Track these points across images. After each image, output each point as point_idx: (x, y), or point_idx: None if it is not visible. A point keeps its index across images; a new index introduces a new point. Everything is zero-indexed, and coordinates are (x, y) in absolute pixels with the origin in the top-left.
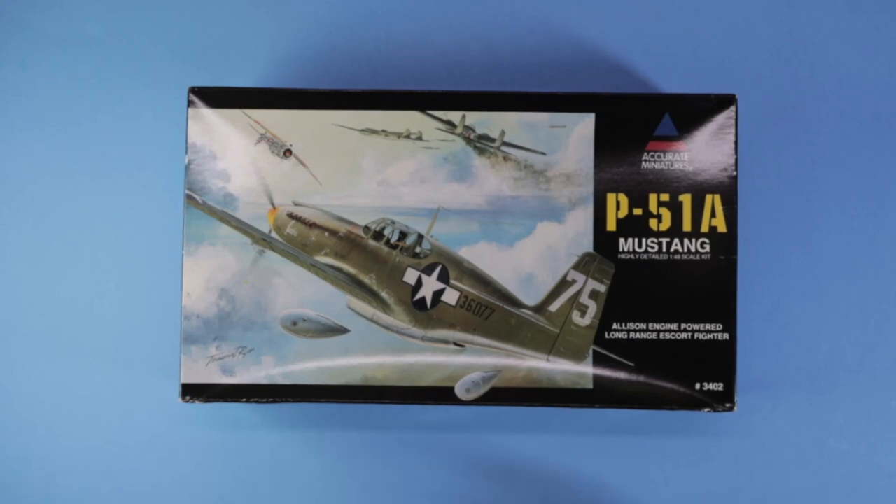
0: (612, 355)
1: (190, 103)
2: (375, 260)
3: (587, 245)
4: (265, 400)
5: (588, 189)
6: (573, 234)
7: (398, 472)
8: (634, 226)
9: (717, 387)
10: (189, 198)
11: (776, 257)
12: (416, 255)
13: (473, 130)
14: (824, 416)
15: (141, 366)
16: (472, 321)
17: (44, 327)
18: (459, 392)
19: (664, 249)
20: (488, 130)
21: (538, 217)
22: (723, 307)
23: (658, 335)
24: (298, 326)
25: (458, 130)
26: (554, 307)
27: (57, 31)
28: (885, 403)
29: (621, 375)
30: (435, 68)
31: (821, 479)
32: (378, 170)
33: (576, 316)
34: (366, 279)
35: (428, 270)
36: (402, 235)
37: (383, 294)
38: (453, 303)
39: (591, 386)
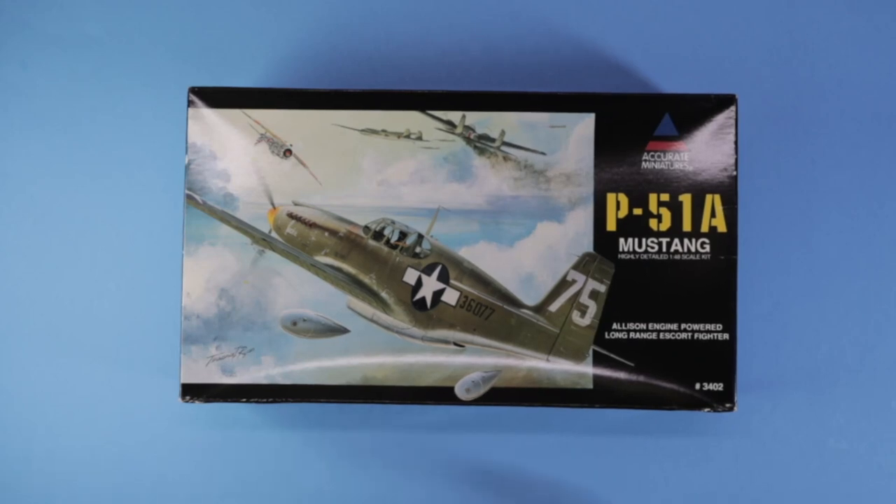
0: (612, 355)
1: (190, 103)
2: (375, 260)
3: (587, 245)
4: (265, 400)
5: (588, 189)
6: (573, 234)
7: (398, 472)
8: (634, 226)
9: (717, 387)
10: (189, 198)
11: (776, 257)
12: (416, 255)
13: (473, 130)
14: (824, 417)
15: (141, 366)
16: (472, 321)
17: (44, 327)
18: (459, 392)
19: (664, 249)
20: (488, 130)
21: (538, 217)
22: (723, 307)
23: (658, 335)
24: (298, 326)
25: (458, 130)
26: (554, 307)
27: (57, 31)
28: (885, 403)
29: (621, 375)
30: (435, 68)
31: (821, 479)
32: (378, 170)
33: (576, 316)
34: (366, 279)
35: (428, 270)
36: (402, 235)
37: (383, 294)
38: (453, 303)
39: (591, 386)
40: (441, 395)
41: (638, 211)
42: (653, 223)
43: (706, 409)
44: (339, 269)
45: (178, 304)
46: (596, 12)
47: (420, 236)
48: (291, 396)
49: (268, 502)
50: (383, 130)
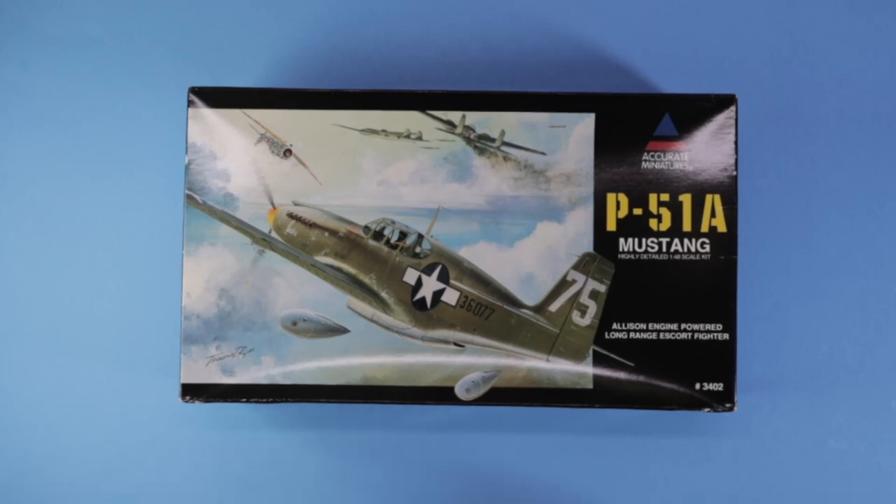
0: (612, 355)
1: (190, 103)
2: (375, 260)
3: (587, 245)
4: (265, 400)
5: (588, 189)
6: (573, 234)
7: (398, 472)
8: (634, 226)
9: (717, 387)
10: (189, 198)
11: (776, 257)
12: (416, 255)
13: (473, 130)
14: (824, 417)
15: (141, 366)
16: (472, 321)
17: (44, 327)
18: (459, 392)
19: (664, 249)
20: (488, 130)
21: (538, 217)
22: (723, 307)
23: (658, 335)
24: (298, 326)
25: (458, 130)
26: (554, 307)
27: (57, 31)
28: (885, 403)
29: (621, 375)
30: (435, 68)
31: (821, 479)
32: (378, 170)
33: (576, 316)
34: (366, 279)
35: (428, 270)
36: (402, 235)
37: (383, 294)
38: (453, 303)
39: (591, 386)
40: (441, 395)
41: (638, 211)
42: (653, 223)
43: (706, 409)
44: (339, 269)
45: (178, 304)
46: (596, 12)
47: (420, 236)
48: (291, 396)
49: (268, 502)
50: (383, 130)
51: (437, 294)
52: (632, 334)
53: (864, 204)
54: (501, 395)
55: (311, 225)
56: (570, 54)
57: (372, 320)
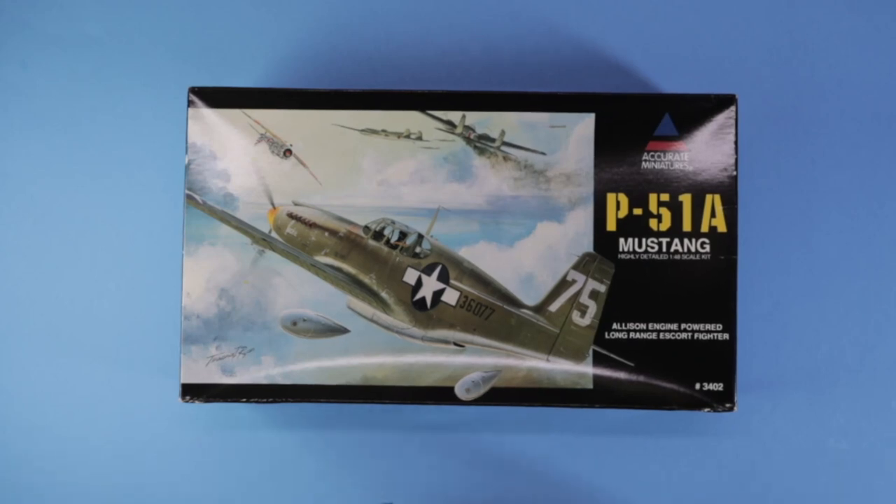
0: (612, 355)
1: (190, 103)
2: (375, 260)
3: (587, 245)
4: (265, 400)
5: (588, 189)
6: (573, 234)
7: (398, 472)
8: (634, 226)
9: (717, 387)
10: (189, 198)
11: (776, 257)
12: (416, 255)
13: (473, 130)
14: (824, 416)
15: (141, 366)
16: (472, 321)
17: (44, 327)
18: (459, 392)
19: (664, 249)
20: (488, 130)
21: (538, 217)
22: (723, 307)
23: (658, 335)
24: (298, 326)
25: (458, 130)
26: (554, 307)
27: (57, 31)
28: (885, 403)
29: (621, 375)
30: (435, 68)
31: (821, 478)
32: (378, 170)
33: (576, 316)
34: (366, 279)
35: (428, 270)
36: (402, 235)
37: (383, 294)
38: (453, 303)
39: (591, 386)
40: (441, 395)
41: (638, 211)
42: (653, 223)
43: (706, 409)
44: (339, 269)
45: (178, 304)
46: (596, 12)
47: (420, 236)
48: (291, 396)
49: (268, 502)
50: (383, 130)
51: (437, 294)
52: (632, 334)
53: (864, 204)
54: (501, 395)
55: (311, 225)
56: (570, 54)
57: (372, 320)
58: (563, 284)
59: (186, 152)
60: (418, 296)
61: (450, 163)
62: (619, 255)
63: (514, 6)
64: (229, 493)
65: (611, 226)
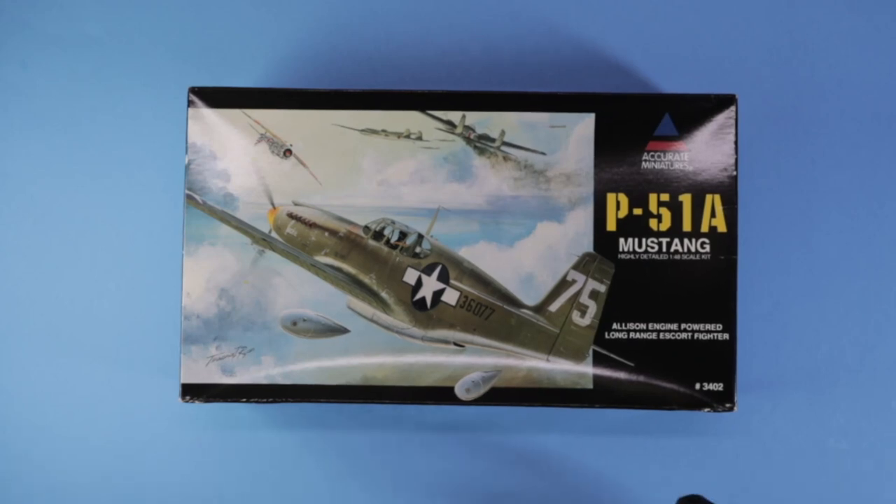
0: (612, 355)
1: (190, 103)
2: (375, 260)
3: (587, 245)
4: (265, 400)
5: (588, 189)
6: (573, 234)
7: (398, 472)
8: (634, 226)
9: (717, 387)
10: (189, 198)
11: (776, 257)
12: (416, 255)
13: (473, 130)
14: (824, 416)
15: (141, 366)
16: (472, 321)
17: (44, 327)
18: (459, 392)
19: (664, 249)
20: (488, 130)
21: (538, 217)
22: (723, 307)
23: (658, 335)
24: (298, 326)
25: (458, 130)
26: (554, 307)
27: (57, 31)
28: (885, 403)
29: (621, 375)
30: (435, 68)
31: (821, 478)
32: (378, 170)
33: (576, 316)
34: (366, 279)
35: (428, 270)
36: (402, 235)
37: (383, 294)
38: (453, 303)
39: (591, 386)
40: (441, 395)
41: (638, 211)
42: (653, 223)
43: (706, 409)
44: (339, 269)
45: (178, 304)
46: (596, 12)
47: (420, 236)
48: (291, 396)
49: (268, 502)
50: (383, 130)
51: (437, 294)
52: (632, 334)
53: (864, 204)
54: (501, 395)
55: (311, 225)
56: (570, 54)
57: (372, 320)
58: (563, 284)
59: (186, 152)
60: (418, 296)
61: (450, 163)
62: (619, 255)
63: (514, 6)
64: (229, 493)
65: (611, 226)
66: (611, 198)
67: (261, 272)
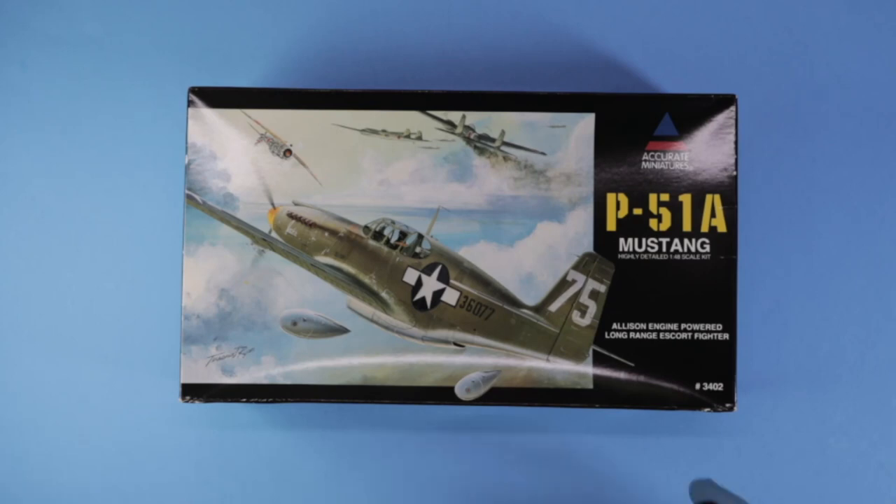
0: (612, 355)
1: (190, 103)
2: (375, 260)
3: (587, 245)
4: (265, 400)
5: (588, 189)
6: (573, 234)
7: (398, 472)
8: (634, 226)
9: (717, 387)
10: (189, 198)
11: (776, 257)
12: (416, 255)
13: (473, 130)
14: (825, 416)
15: (141, 366)
16: (472, 321)
17: (44, 327)
18: (459, 392)
19: (664, 249)
20: (488, 130)
21: (538, 217)
22: (723, 307)
23: (658, 335)
24: (299, 326)
25: (458, 130)
26: (554, 307)
27: (56, 31)
28: (885, 402)
29: (621, 375)
30: (435, 68)
31: (822, 478)
32: (378, 170)
33: (576, 316)
34: (366, 279)
35: (428, 270)
36: (402, 235)
37: (383, 294)
38: (453, 303)
39: (591, 386)
40: (441, 395)
41: (638, 211)
42: (653, 223)
43: (706, 409)
44: (339, 269)
45: (178, 304)
46: (596, 12)
47: (420, 236)
48: (291, 396)
49: (268, 502)
50: (383, 130)
51: (437, 294)
52: (632, 334)
53: (864, 203)
54: (501, 395)
55: (311, 225)
56: (570, 54)
57: (372, 320)
58: (563, 284)
59: (186, 152)
60: (418, 296)
61: (450, 163)
62: (619, 255)
63: (514, 6)
64: (229, 493)
65: (611, 226)
66: (611, 198)
67: (261, 272)
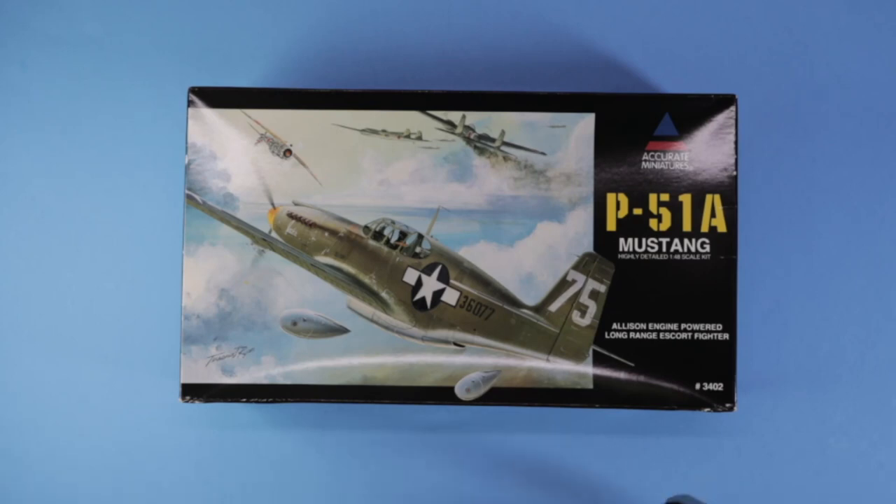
0: (612, 355)
1: (190, 103)
2: (375, 260)
3: (587, 245)
4: (265, 400)
5: (588, 189)
6: (573, 234)
7: (398, 471)
8: (634, 226)
9: (717, 387)
10: (189, 198)
11: (776, 257)
12: (416, 255)
13: (473, 130)
14: (825, 416)
15: (141, 366)
16: (472, 321)
17: (44, 327)
18: (459, 392)
19: (664, 249)
20: (488, 130)
21: (538, 217)
22: (723, 307)
23: (658, 335)
24: (299, 326)
25: (458, 130)
26: (554, 307)
27: (56, 31)
28: (885, 402)
29: (621, 375)
30: (435, 68)
31: (822, 478)
32: (378, 170)
33: (576, 316)
34: (366, 279)
35: (428, 270)
36: (402, 235)
37: (383, 294)
38: (453, 303)
39: (591, 386)
40: (441, 395)
41: (638, 211)
42: (653, 223)
43: (706, 409)
44: (339, 269)
45: (178, 304)
46: (595, 12)
47: (420, 236)
48: (291, 396)
49: (268, 502)
50: (383, 130)
51: (437, 294)
52: (632, 334)
53: (864, 203)
54: (501, 395)
55: (311, 225)
56: (570, 54)
57: (372, 320)
58: (563, 284)
59: (186, 152)
60: (418, 296)
61: (450, 163)
62: (619, 255)
63: (514, 6)
64: (229, 493)
65: (611, 226)
66: (611, 198)
67: (261, 272)
